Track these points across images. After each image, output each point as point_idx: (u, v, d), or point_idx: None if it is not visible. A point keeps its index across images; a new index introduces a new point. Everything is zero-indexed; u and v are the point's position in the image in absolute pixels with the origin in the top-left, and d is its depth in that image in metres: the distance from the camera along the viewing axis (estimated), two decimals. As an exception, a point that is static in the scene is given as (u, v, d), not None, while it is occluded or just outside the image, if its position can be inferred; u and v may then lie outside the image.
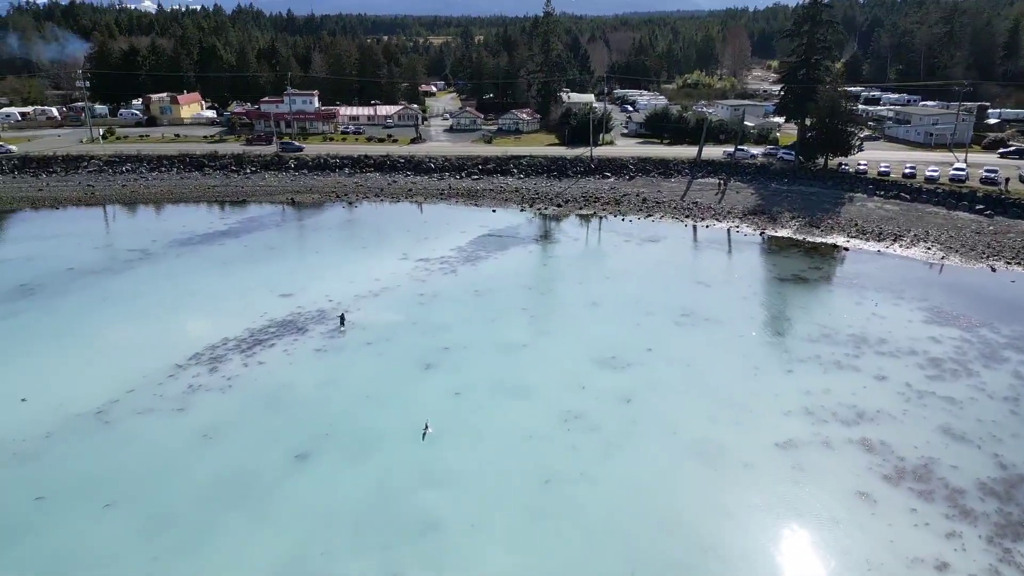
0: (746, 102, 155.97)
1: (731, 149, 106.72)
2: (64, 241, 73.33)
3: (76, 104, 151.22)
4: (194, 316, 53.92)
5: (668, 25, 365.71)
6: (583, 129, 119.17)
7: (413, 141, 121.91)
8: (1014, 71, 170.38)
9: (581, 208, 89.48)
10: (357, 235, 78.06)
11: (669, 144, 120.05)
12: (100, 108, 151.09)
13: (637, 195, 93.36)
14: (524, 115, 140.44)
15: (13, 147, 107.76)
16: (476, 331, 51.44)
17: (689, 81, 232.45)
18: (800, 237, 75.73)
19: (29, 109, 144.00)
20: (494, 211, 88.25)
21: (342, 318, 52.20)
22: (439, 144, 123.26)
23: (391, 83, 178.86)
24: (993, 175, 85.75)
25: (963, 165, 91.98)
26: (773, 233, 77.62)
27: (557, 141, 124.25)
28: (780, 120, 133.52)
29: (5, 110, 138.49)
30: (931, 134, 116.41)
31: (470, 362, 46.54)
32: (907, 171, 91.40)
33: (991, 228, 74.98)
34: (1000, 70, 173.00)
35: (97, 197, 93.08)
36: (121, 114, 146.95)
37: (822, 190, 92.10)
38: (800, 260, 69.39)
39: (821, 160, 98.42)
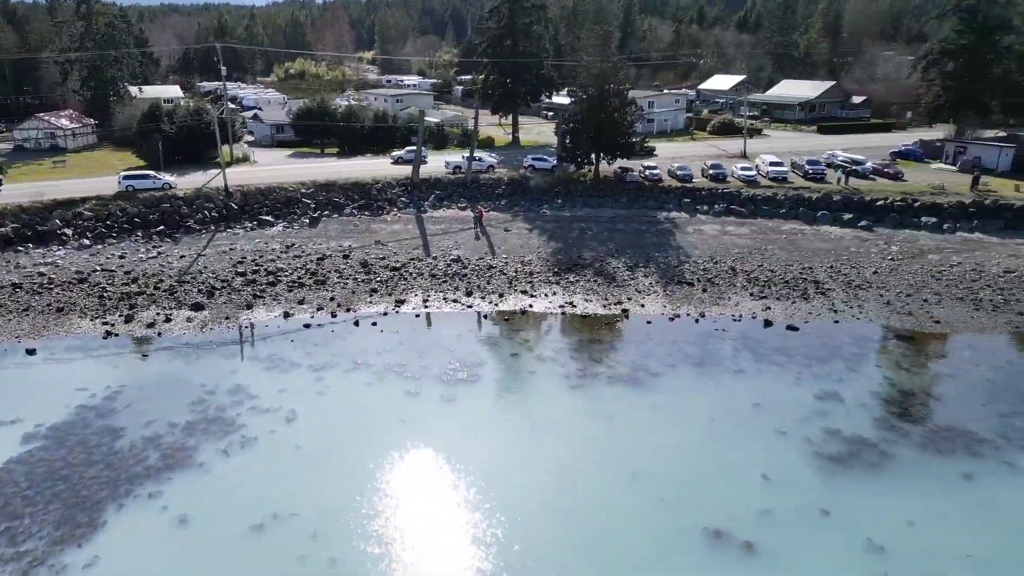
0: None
1: (455, 158, 67.98)
2: None
3: None
4: None
5: (229, 12, 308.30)
6: (189, 139, 69.13)
7: None
8: None
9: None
10: None
11: (338, 155, 76.95)
12: None
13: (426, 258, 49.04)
14: (66, 121, 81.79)
15: None
16: None
17: (292, 72, 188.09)
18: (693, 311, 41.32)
19: None
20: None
21: None
22: None
23: None
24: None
25: None
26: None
27: (140, 161, 71.19)
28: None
29: None
30: None
31: None
32: None
33: None
34: None
35: None
36: None
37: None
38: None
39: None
